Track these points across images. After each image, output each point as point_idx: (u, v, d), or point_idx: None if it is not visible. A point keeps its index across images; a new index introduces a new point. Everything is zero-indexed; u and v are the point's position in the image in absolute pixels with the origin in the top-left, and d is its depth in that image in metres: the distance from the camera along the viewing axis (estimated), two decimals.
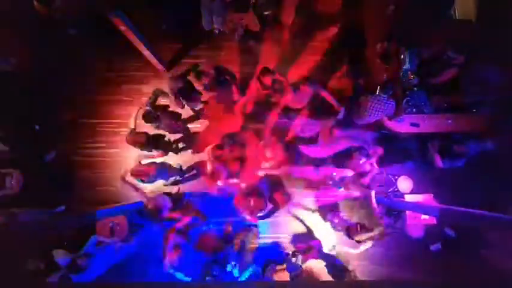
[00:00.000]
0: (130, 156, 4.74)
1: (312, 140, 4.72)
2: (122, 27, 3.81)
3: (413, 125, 4.32)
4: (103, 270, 4.01)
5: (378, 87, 4.06)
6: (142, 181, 3.91)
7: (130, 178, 4.32)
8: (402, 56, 4.25)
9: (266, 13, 4.84)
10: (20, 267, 3.86)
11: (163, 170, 4.22)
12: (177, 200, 4.47)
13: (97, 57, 5.17)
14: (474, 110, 4.17)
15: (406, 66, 4.24)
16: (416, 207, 4.06)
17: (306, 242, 4.55)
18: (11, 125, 4.48)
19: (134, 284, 3.52)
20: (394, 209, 4.68)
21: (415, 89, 4.23)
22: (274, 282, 3.77)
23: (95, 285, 3.06)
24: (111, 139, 4.97)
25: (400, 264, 4.68)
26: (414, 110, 4.24)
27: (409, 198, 4.52)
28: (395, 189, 4.63)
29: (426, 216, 4.42)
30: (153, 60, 4.76)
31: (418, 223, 4.57)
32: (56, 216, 4.39)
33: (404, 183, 4.62)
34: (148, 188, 4.64)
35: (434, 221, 4.48)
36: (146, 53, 4.50)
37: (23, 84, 4.68)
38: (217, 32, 5.03)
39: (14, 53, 4.64)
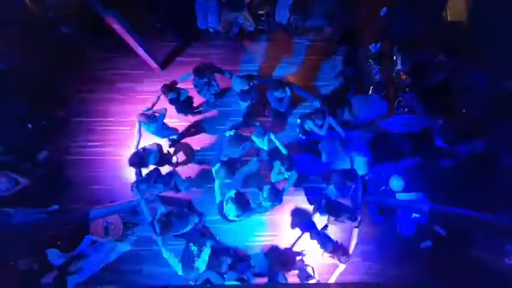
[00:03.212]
0: (124, 155, 4.74)
1: None
2: (116, 26, 3.80)
3: (405, 124, 4.40)
4: (97, 269, 4.02)
5: (371, 87, 4.13)
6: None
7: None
8: (395, 57, 4.31)
9: (261, 12, 4.85)
10: (13, 268, 3.83)
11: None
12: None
13: (90, 56, 5.13)
14: (464, 111, 4.26)
15: (399, 67, 4.31)
16: (408, 206, 4.14)
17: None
18: (4, 124, 4.42)
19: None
20: (386, 207, 4.77)
21: (407, 89, 4.30)
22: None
23: None
24: (105, 138, 4.95)
25: (391, 261, 4.77)
26: (406, 110, 4.32)
27: (400, 196, 4.59)
28: (387, 188, 4.69)
29: (417, 215, 4.50)
30: (148, 59, 4.74)
31: (409, 221, 4.65)
32: (50, 216, 4.37)
33: (396, 182, 4.69)
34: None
35: (425, 219, 4.56)
36: (140, 51, 4.49)
37: (15, 83, 4.62)
38: (212, 31, 5.01)
39: (6, 52, 4.57)
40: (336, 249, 3.99)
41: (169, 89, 3.96)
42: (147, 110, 4.01)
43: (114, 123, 4.98)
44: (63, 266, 3.49)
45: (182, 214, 3.92)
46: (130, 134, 4.46)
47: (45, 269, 3.70)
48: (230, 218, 3.75)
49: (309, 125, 3.99)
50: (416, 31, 4.14)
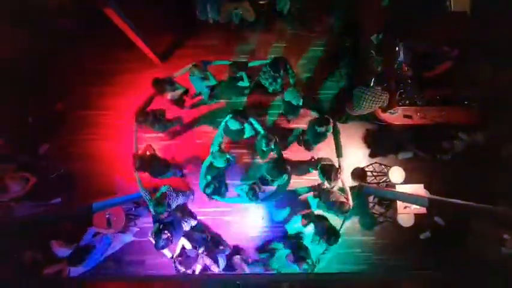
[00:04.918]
0: (123, 148, 4.75)
1: None
2: (115, 18, 3.74)
3: (406, 116, 4.39)
4: (100, 260, 4.09)
5: (372, 79, 4.10)
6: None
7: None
8: (397, 48, 4.26)
9: (261, 2, 4.78)
10: (17, 260, 3.89)
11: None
12: None
13: (89, 48, 5.08)
14: (466, 103, 4.24)
15: (401, 58, 4.27)
16: (407, 197, 4.16)
17: None
18: (4, 118, 4.42)
19: (122, 277, 3.59)
20: (386, 199, 4.81)
21: (409, 81, 4.27)
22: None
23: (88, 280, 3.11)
24: (104, 131, 4.96)
25: (390, 252, 4.85)
26: (407, 102, 4.30)
27: (400, 188, 4.62)
28: (388, 180, 4.73)
29: (417, 206, 4.53)
30: (147, 51, 4.69)
31: (408, 212, 4.69)
32: (52, 209, 4.41)
33: (396, 174, 4.71)
34: None
35: (424, 210, 4.61)
36: (140, 43, 4.43)
37: (14, 76, 4.60)
38: (212, 21, 4.95)
39: (4, 43, 4.52)
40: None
41: (240, 68, 3.83)
42: (205, 64, 3.84)
43: (114, 116, 4.97)
44: (68, 257, 3.55)
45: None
46: (130, 127, 4.42)
47: (49, 261, 3.77)
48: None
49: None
50: (419, 22, 4.09)
